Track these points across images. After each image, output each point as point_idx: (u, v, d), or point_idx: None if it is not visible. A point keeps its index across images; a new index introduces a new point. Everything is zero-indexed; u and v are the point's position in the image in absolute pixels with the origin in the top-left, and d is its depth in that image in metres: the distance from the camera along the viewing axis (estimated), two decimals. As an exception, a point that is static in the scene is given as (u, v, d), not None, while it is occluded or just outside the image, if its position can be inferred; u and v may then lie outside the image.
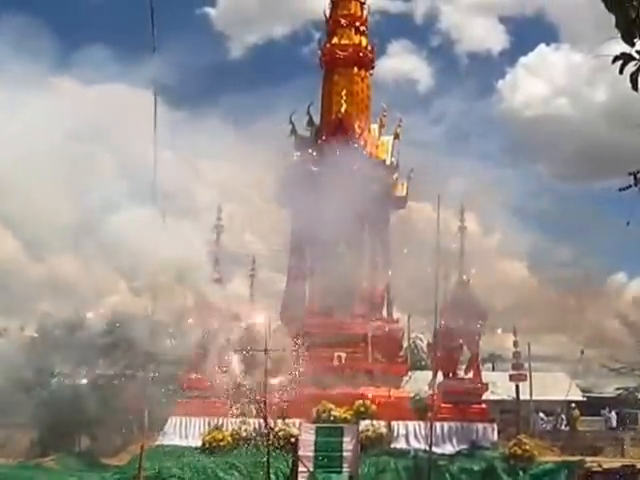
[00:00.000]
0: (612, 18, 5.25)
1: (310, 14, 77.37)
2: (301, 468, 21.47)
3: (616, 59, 5.31)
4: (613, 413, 37.76)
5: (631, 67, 5.30)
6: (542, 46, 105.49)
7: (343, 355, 26.05)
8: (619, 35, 5.25)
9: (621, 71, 5.30)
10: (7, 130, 23.19)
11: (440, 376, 24.31)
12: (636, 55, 5.29)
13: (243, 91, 77.99)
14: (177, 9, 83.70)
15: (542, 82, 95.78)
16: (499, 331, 27.46)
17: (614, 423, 36.93)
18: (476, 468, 21.57)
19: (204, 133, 27.95)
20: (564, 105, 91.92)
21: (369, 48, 31.64)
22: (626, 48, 5.29)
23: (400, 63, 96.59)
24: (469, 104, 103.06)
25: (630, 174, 6.85)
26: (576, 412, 35.47)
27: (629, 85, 5.32)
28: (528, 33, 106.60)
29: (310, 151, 29.19)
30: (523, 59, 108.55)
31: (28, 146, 23.09)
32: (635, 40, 5.25)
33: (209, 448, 22.84)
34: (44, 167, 22.31)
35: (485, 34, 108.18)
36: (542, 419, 36.98)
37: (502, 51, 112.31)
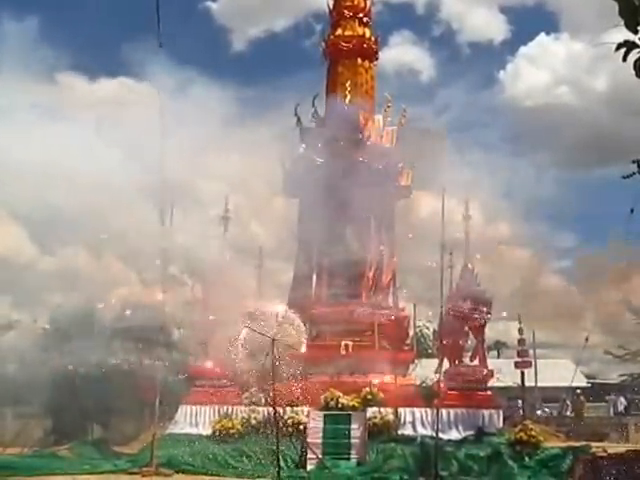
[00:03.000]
0: (613, 7, 5.32)
1: (311, 6, 77.53)
2: (310, 455, 21.69)
3: (619, 47, 5.35)
4: (622, 398, 37.90)
5: (634, 54, 5.36)
6: (542, 35, 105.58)
7: (350, 343, 26.28)
8: (622, 23, 5.30)
9: (624, 58, 5.36)
10: (15, 126, 23.48)
11: (446, 363, 24.54)
12: (639, 42, 5.33)
13: (248, 83, 78.16)
14: (179, 3, 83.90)
15: (543, 71, 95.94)
16: (504, 315, 27.58)
17: (622, 408, 37.08)
18: (482, 454, 21.64)
19: (209, 126, 28.15)
20: (565, 94, 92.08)
21: (373, 39, 31.84)
22: (627, 36, 5.34)
23: (402, 54, 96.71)
24: (471, 94, 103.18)
25: (634, 162, 6.91)
26: (582, 399, 35.70)
27: (630, 73, 5.39)
28: (529, 22, 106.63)
29: (315, 142, 29.39)
30: (524, 49, 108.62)
31: (35, 140, 23.37)
32: (639, 28, 5.31)
33: (219, 436, 23.09)
34: (52, 160, 22.57)
35: (486, 24, 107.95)
36: (544, 410, 37.22)
37: (503, 41, 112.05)
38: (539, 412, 34.62)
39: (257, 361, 21.25)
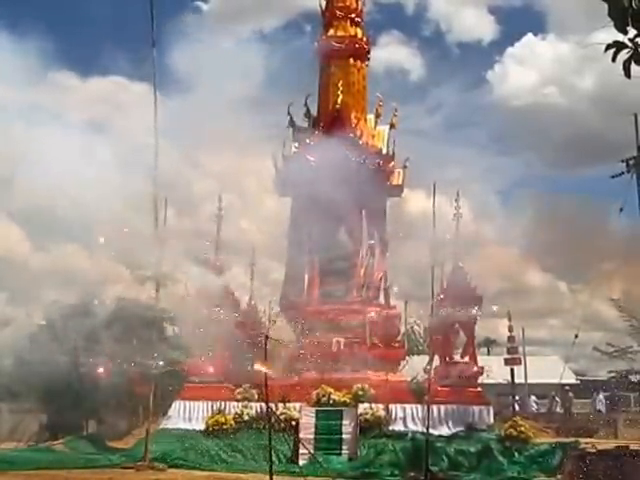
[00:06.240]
0: (599, 8, 5.37)
1: (301, 7, 77.65)
2: (302, 450, 21.80)
3: (609, 47, 5.38)
4: (601, 396, 38.11)
5: (624, 55, 5.38)
6: (530, 36, 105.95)
7: (342, 341, 26.42)
8: (611, 23, 5.35)
9: (614, 59, 5.39)
10: (10, 124, 23.61)
11: (437, 360, 24.81)
12: (629, 43, 5.37)
13: (239, 82, 77.98)
14: (169, 2, 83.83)
15: (531, 71, 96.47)
16: (494, 309, 27.75)
17: (602, 406, 37.29)
18: (472, 449, 21.91)
19: (202, 124, 28.29)
20: (553, 94, 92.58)
21: (364, 39, 31.98)
22: (613, 36, 5.39)
23: (392, 54, 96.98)
24: (461, 94, 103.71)
25: (622, 161, 7.06)
26: (570, 395, 36.05)
27: (617, 73, 5.41)
28: (517, 23, 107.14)
29: (308, 141, 29.55)
30: (512, 49, 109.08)
31: (28, 139, 23.51)
32: (628, 28, 5.34)
33: (212, 431, 23.30)
34: (45, 159, 22.70)
35: (475, 24, 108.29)
36: (536, 402, 37.60)
37: (492, 41, 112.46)
38: (534, 409, 34.96)
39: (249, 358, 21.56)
